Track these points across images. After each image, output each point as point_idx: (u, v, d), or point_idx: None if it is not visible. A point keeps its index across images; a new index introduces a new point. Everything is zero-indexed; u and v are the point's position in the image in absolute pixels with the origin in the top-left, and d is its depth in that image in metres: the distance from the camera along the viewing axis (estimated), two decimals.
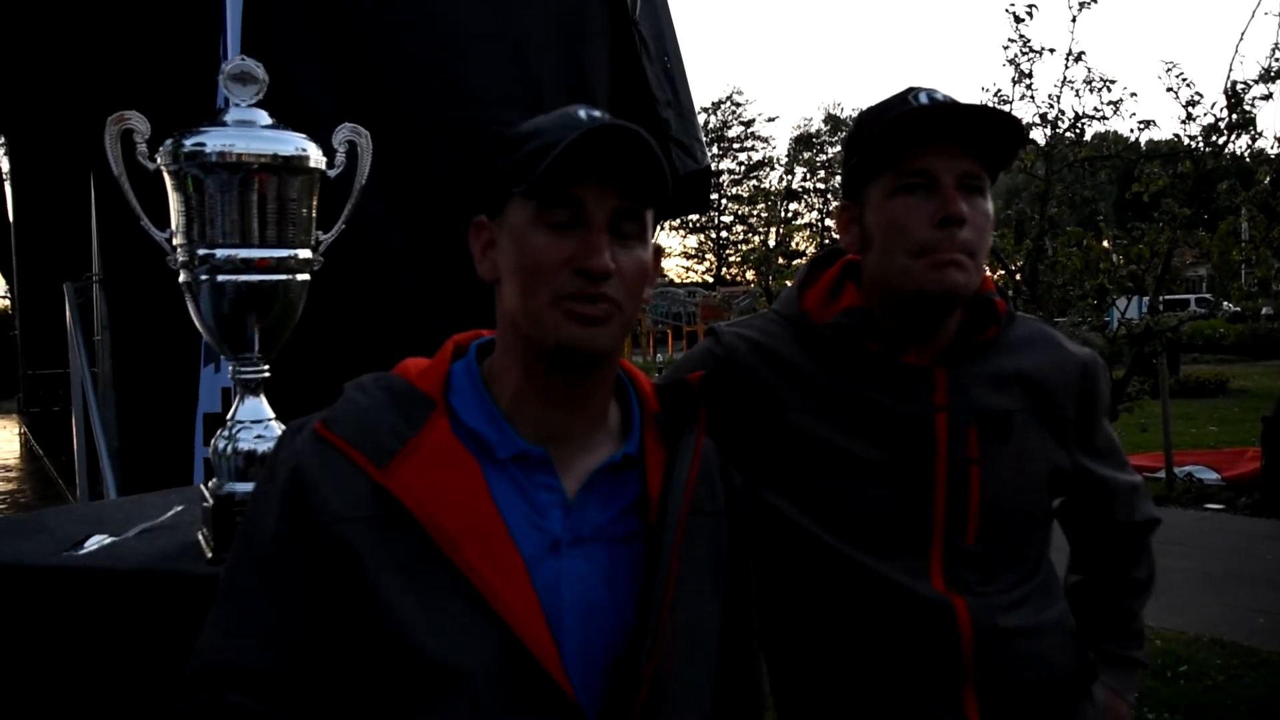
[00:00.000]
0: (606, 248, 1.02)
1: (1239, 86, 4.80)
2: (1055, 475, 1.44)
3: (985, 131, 1.30)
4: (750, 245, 40.15)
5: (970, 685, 1.33)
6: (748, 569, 1.24)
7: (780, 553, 1.39)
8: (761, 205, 44.51)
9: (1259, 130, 4.95)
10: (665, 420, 1.16)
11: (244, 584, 1.04)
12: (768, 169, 45.79)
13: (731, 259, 44.58)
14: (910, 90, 1.35)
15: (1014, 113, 4.96)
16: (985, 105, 1.36)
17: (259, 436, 1.69)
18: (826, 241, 41.22)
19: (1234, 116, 4.84)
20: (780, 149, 55.13)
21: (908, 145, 1.31)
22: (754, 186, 45.06)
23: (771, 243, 35.99)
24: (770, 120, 65.24)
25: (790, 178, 44.94)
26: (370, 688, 1.00)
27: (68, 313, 4.84)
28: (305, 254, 1.71)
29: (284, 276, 1.67)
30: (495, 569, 1.00)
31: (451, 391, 1.09)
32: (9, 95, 6.54)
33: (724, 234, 45.88)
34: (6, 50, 5.29)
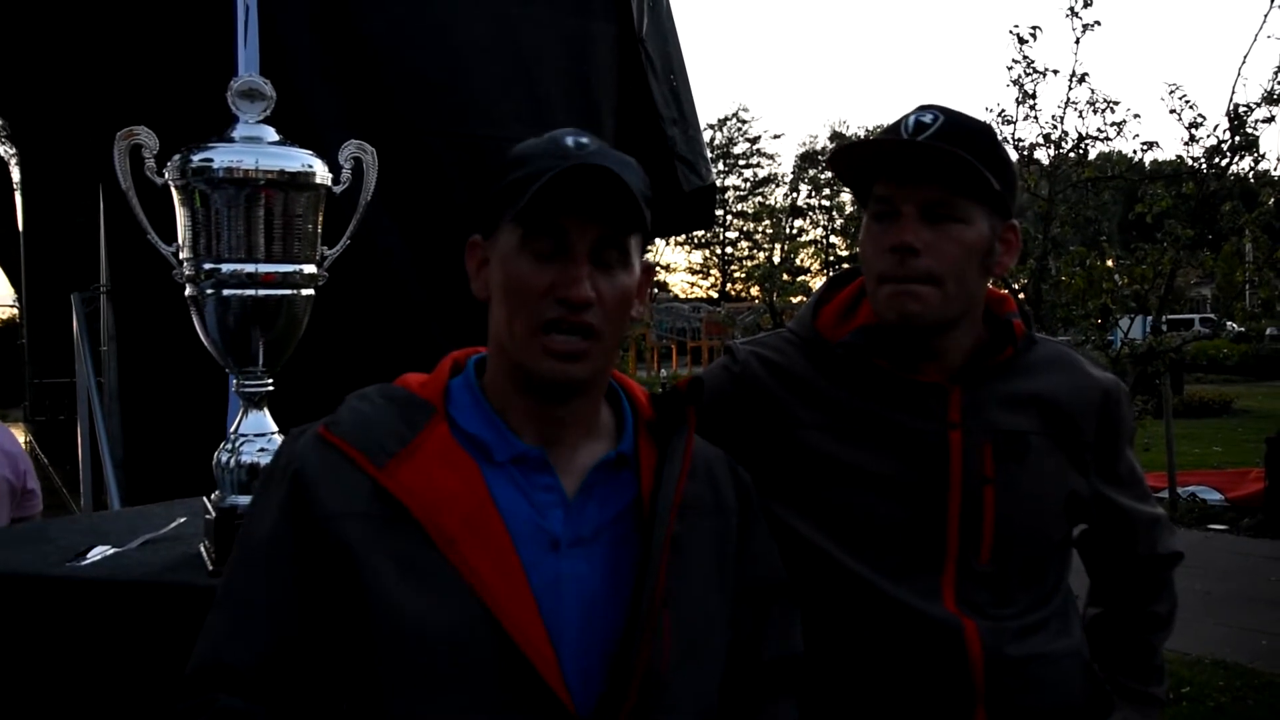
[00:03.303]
0: (587, 277, 1.05)
1: (1242, 109, 4.81)
2: (1073, 500, 1.43)
3: (944, 163, 1.28)
4: (755, 261, 40.17)
5: (981, 710, 1.31)
6: (762, 564, 1.24)
7: (792, 570, 1.37)
8: (766, 222, 44.54)
9: (1262, 152, 4.95)
10: (659, 424, 1.18)
11: (242, 585, 1.06)
12: (773, 185, 45.82)
13: (736, 275, 44.55)
14: (907, 115, 1.35)
15: (1017, 132, 4.99)
16: (932, 144, 1.29)
17: (262, 450, 1.70)
18: (830, 259, 41.26)
19: (1237, 139, 4.85)
20: (785, 166, 55.16)
21: (873, 175, 1.34)
22: (759, 203, 45.07)
23: (776, 259, 36.02)
24: (776, 137, 65.60)
25: (795, 194, 44.98)
26: (369, 682, 1.02)
27: (74, 323, 4.86)
28: (310, 269, 1.73)
29: (289, 291, 1.69)
30: (492, 568, 1.02)
31: (450, 403, 1.12)
32: (20, 107, 6.59)
33: (729, 250, 45.86)
34: (18, 63, 5.34)
